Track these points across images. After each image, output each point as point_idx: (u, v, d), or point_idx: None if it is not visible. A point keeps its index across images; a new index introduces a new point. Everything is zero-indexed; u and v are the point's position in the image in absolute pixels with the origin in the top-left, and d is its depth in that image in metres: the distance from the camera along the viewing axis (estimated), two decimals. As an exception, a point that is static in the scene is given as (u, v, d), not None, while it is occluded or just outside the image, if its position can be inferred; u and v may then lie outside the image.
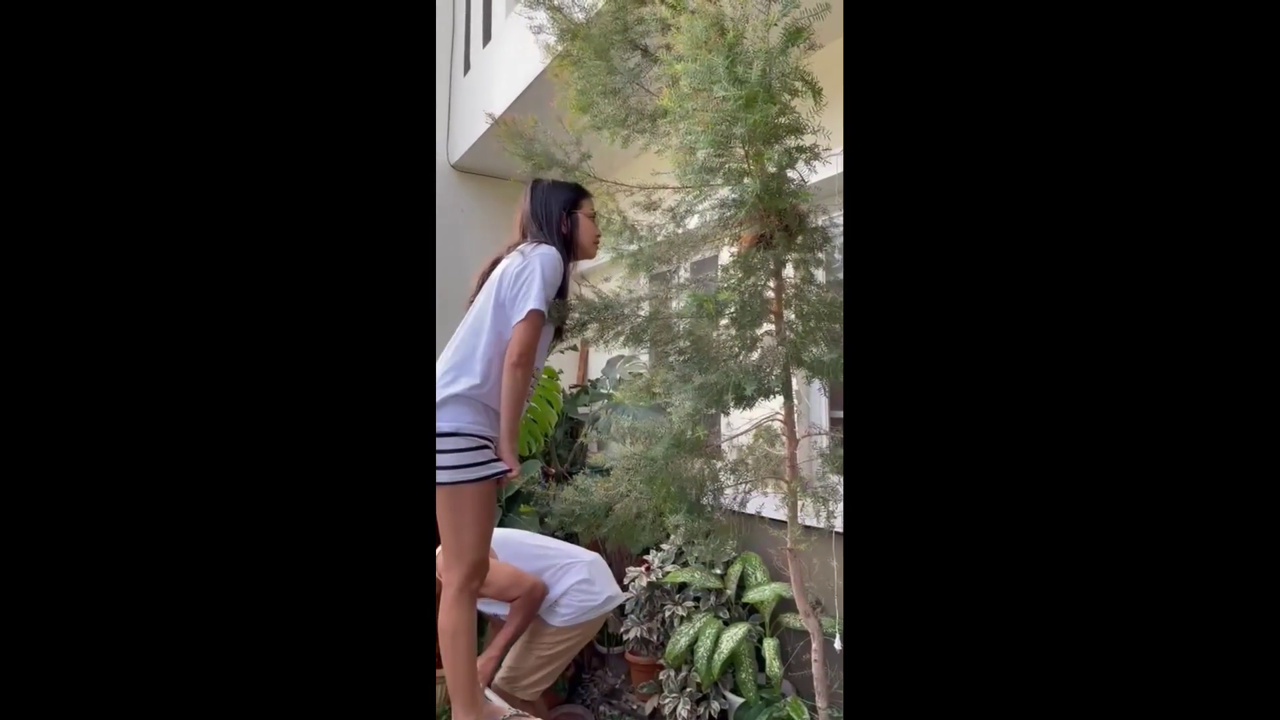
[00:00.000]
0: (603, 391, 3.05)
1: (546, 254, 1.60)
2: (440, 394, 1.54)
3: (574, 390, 3.51)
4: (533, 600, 1.91)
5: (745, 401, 1.48)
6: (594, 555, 2.07)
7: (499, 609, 1.99)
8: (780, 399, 1.64)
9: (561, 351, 3.56)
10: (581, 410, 3.27)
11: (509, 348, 1.54)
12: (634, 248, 1.82)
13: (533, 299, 1.54)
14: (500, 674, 1.94)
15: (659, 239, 1.81)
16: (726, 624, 2.39)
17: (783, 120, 1.51)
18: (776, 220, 1.71)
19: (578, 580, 1.96)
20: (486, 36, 3.54)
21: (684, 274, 1.96)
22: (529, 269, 1.57)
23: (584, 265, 2.12)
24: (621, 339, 1.76)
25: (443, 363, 1.59)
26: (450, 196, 3.90)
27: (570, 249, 1.74)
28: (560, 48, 1.93)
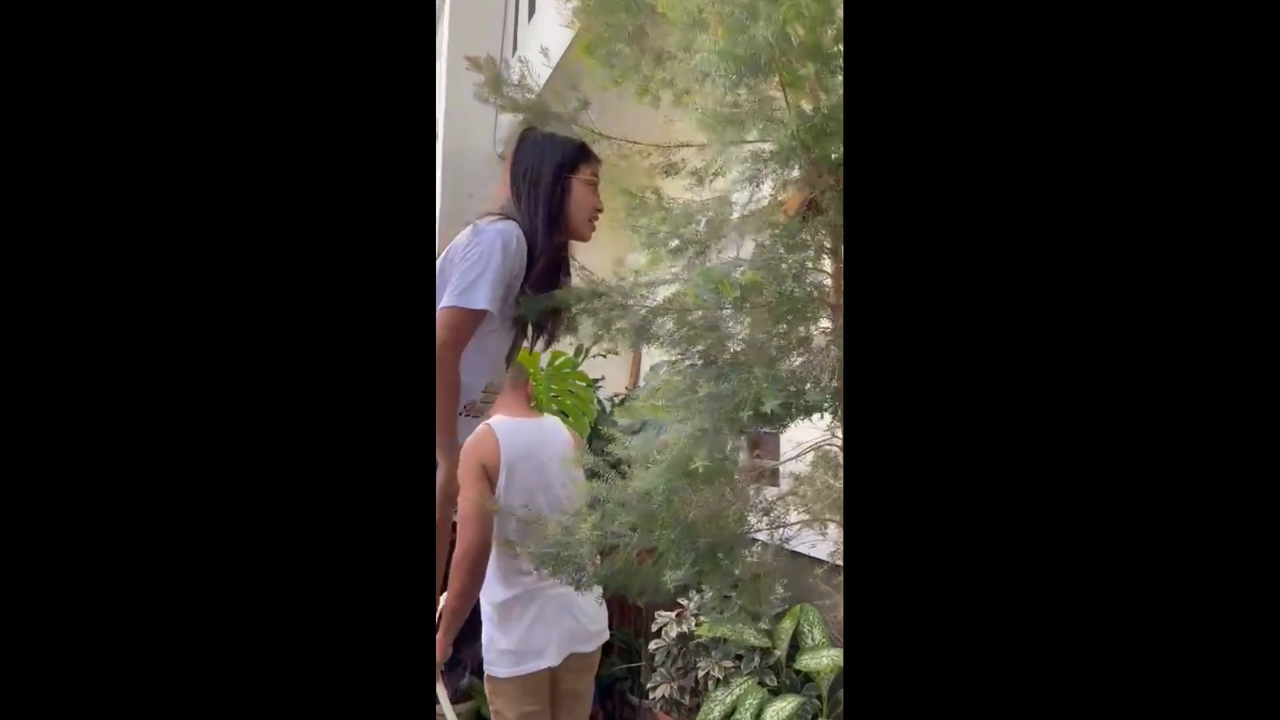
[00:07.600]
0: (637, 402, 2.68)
1: (504, 231, 1.24)
2: None
3: (618, 399, 3.15)
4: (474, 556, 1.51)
5: (766, 419, 1.06)
6: None
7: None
8: (828, 417, 1.20)
9: (604, 355, 3.20)
10: (624, 424, 2.90)
11: None
12: (645, 221, 1.42)
13: (452, 292, 1.18)
14: None
15: (692, 212, 1.41)
16: (774, 693, 1.93)
17: (829, 30, 1.09)
18: (828, 177, 1.27)
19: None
20: (531, 10, 3.30)
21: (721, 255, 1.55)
22: (471, 253, 1.21)
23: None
24: (625, 335, 1.38)
25: None
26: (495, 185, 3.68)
27: (557, 225, 1.35)
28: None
